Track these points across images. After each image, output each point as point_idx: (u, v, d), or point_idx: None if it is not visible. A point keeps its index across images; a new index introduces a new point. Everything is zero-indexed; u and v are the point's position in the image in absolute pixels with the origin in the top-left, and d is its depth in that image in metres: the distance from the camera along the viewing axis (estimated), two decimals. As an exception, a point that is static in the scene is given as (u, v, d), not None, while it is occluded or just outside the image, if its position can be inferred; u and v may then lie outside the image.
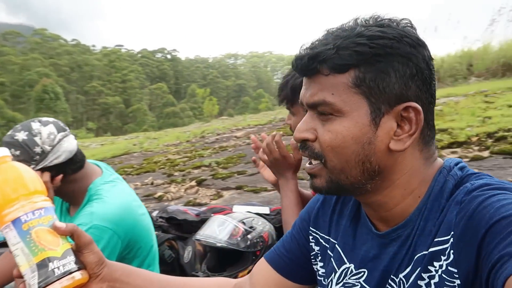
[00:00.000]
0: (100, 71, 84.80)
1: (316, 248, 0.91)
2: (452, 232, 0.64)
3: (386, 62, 0.66)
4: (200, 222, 2.28)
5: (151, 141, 10.45)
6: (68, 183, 1.42)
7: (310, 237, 0.93)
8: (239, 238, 1.93)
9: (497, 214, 0.58)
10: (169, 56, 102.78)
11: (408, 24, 0.71)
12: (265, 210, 2.32)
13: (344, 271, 0.82)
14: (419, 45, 0.68)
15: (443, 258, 0.65)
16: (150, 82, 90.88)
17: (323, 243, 0.89)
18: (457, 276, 0.62)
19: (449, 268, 0.63)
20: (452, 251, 0.63)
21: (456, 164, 0.73)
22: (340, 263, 0.83)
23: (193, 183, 4.21)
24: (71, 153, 1.40)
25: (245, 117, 11.73)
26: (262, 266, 0.97)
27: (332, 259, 0.85)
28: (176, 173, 4.96)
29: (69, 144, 1.40)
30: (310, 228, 0.93)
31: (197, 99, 71.57)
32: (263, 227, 2.07)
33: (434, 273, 0.65)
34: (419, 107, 0.68)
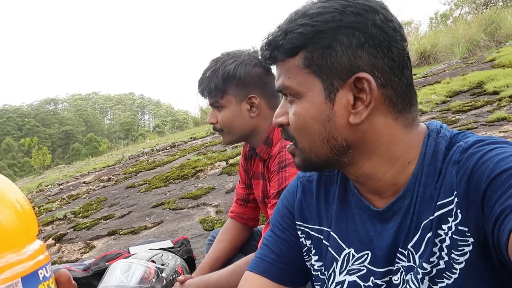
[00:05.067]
0: None
1: (308, 242, 0.84)
2: (456, 192, 0.64)
3: (329, 37, 0.66)
4: (93, 276, 1.90)
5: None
6: None
7: (299, 232, 0.85)
8: (153, 280, 1.67)
9: (497, 168, 0.59)
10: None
11: None
12: (168, 243, 2.09)
13: (346, 257, 0.77)
14: (367, 11, 0.66)
15: (450, 219, 0.64)
16: None
17: (316, 234, 0.83)
18: (469, 234, 0.62)
19: (459, 227, 0.63)
20: (459, 211, 0.63)
21: (441, 125, 0.74)
22: (340, 250, 0.78)
23: (51, 241, 3.54)
24: None
25: (88, 162, 10.65)
26: (253, 281, 0.84)
27: (329, 248, 0.80)
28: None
29: None
30: (296, 222, 0.86)
31: (14, 154, 61.98)
32: (175, 260, 1.85)
33: (444, 236, 0.65)
34: (368, 76, 0.66)
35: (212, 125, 1.53)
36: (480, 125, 3.55)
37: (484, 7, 11.95)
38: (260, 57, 0.78)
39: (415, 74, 7.53)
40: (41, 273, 0.48)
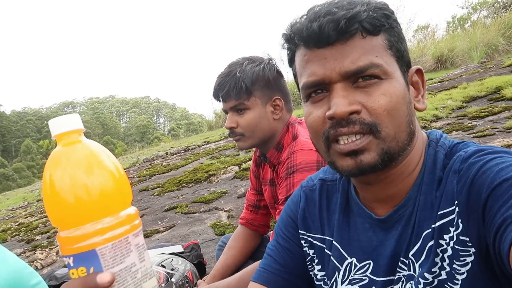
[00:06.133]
0: None
1: (311, 251, 0.84)
2: (456, 201, 0.63)
3: (399, 28, 0.69)
4: (104, 279, 1.92)
5: (-12, 208, 8.70)
6: None
7: (303, 242, 0.85)
8: (163, 285, 1.68)
9: (497, 177, 0.58)
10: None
11: None
12: (179, 248, 2.10)
13: (348, 267, 0.76)
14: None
15: (452, 229, 0.64)
16: (-32, 143, 76.80)
17: (318, 244, 0.82)
18: (470, 244, 0.61)
19: (460, 237, 0.62)
20: (460, 220, 0.63)
21: (441, 135, 0.74)
22: (342, 259, 0.77)
23: (65, 243, 3.59)
24: None
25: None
26: None
27: (332, 257, 0.79)
28: (37, 237, 4.18)
29: None
30: (300, 231, 0.85)
31: (33, 155, 63.31)
32: (185, 266, 1.85)
33: (445, 246, 0.64)
34: (422, 69, 0.73)
35: (230, 129, 1.50)
36: (498, 131, 3.48)
37: (503, 10, 11.73)
38: (303, 41, 0.67)
39: (431, 79, 7.43)
40: (139, 234, 0.55)
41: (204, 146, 7.73)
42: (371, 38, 0.65)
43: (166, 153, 8.23)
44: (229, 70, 1.48)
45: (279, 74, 1.52)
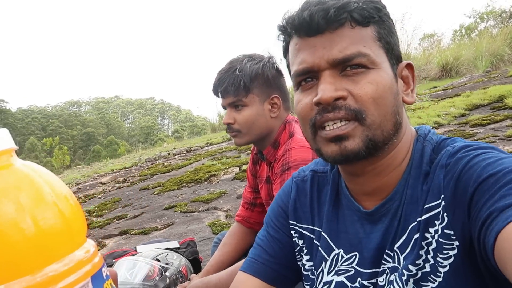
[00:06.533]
0: None
1: (300, 242, 0.85)
2: (443, 195, 0.64)
3: (390, 22, 0.71)
4: (100, 272, 1.93)
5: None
6: None
7: (292, 232, 0.86)
8: (157, 278, 1.69)
9: (484, 172, 0.59)
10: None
11: None
12: (174, 244, 2.11)
13: (335, 258, 0.78)
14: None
15: (437, 222, 0.65)
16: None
17: (308, 234, 0.84)
18: (454, 237, 0.62)
19: (445, 231, 0.63)
20: (445, 214, 0.64)
21: (429, 130, 0.76)
22: (329, 250, 0.79)
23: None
24: None
25: (106, 163, 10.85)
26: (246, 282, 0.85)
27: (320, 248, 0.80)
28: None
29: None
30: (290, 222, 0.86)
31: (37, 153, 63.62)
32: (179, 261, 1.86)
33: (430, 239, 0.65)
34: (413, 64, 0.73)
35: (227, 125, 1.51)
36: (498, 139, 3.47)
37: (510, 20, 11.72)
38: (295, 30, 0.69)
39: (435, 87, 7.43)
40: (104, 272, 0.45)
41: (206, 148, 7.75)
42: (360, 28, 0.67)
43: (169, 154, 8.26)
44: (229, 66, 1.50)
45: (278, 72, 1.53)
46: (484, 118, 4.20)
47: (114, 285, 0.47)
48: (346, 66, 0.66)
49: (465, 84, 6.79)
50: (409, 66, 0.74)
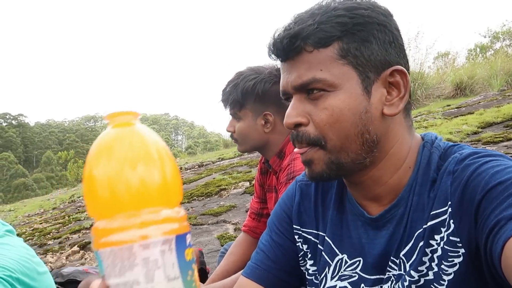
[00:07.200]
0: None
1: (304, 246, 0.84)
2: (450, 202, 0.64)
3: (366, 31, 0.67)
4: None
5: (6, 213, 8.90)
6: None
7: (296, 237, 0.85)
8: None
9: (492, 180, 0.58)
10: (14, 122, 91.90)
11: None
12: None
13: (339, 263, 0.77)
14: (390, 15, 0.71)
15: (443, 229, 0.64)
16: (-8, 152, 78.91)
17: (312, 239, 0.83)
18: (460, 245, 0.62)
19: (450, 238, 0.63)
20: (452, 221, 0.63)
21: (436, 137, 0.75)
22: (333, 255, 0.78)
23: (76, 248, 3.66)
24: None
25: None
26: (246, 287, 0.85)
27: (323, 253, 0.80)
28: (50, 242, 4.26)
29: None
30: (294, 226, 0.86)
31: (53, 167, 64.59)
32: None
33: (436, 246, 0.65)
34: (405, 69, 0.69)
35: (230, 133, 1.62)
36: (511, 156, 3.43)
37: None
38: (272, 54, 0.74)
39: (449, 105, 7.38)
40: (188, 238, 0.46)
41: (218, 163, 7.80)
42: (319, 51, 0.67)
43: (181, 168, 8.33)
44: (232, 79, 1.57)
45: (277, 86, 1.55)
46: (497, 136, 4.15)
47: (195, 259, 0.47)
48: (308, 90, 0.69)
49: (479, 102, 6.73)
50: (398, 72, 0.69)
